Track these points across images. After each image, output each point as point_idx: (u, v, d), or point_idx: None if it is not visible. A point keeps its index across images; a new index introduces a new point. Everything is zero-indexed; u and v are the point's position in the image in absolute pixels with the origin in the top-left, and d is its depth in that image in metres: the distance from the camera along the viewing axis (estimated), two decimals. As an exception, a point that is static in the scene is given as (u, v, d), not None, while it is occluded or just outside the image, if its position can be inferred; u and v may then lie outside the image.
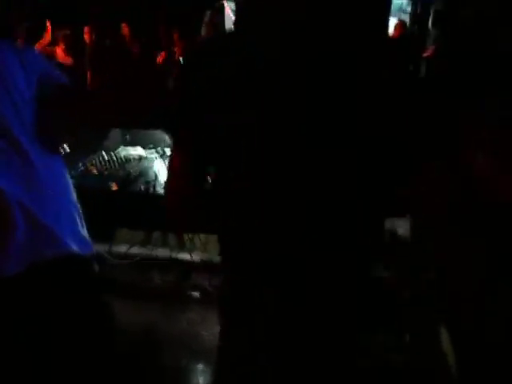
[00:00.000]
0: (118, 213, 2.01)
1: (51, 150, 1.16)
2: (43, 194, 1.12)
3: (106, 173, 1.96)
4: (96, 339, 1.32)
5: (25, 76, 1.10)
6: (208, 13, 9.49)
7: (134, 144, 2.46)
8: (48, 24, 4.59)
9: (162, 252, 2.65)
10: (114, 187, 1.85)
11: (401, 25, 4.89)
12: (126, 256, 2.63)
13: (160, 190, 1.84)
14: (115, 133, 2.51)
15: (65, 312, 1.21)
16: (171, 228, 2.34)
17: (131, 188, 1.85)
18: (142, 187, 1.84)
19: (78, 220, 1.19)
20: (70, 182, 1.21)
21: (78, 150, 1.34)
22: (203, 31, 7.86)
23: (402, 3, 10.39)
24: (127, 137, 2.49)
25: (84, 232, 1.21)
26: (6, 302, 1.11)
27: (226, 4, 11.42)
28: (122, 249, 2.65)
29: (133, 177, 1.94)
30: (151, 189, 1.83)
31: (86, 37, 4.85)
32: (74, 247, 1.15)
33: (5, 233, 1.07)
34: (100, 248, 2.59)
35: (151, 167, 2.06)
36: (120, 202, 1.90)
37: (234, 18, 6.80)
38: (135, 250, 2.64)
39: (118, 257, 2.62)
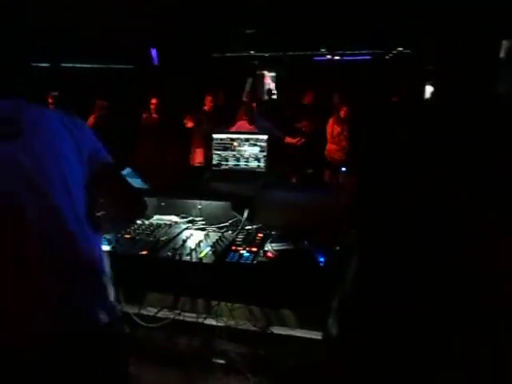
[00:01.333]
0: (147, 277, 2.12)
1: (91, 224, 1.26)
2: (79, 265, 1.22)
3: (137, 238, 2.10)
4: None
5: (75, 151, 1.22)
6: (249, 80, 10.13)
7: (168, 212, 2.63)
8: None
9: (189, 317, 2.70)
10: (144, 252, 1.97)
11: None
12: (154, 319, 2.70)
13: (185, 256, 1.94)
14: (152, 201, 2.69)
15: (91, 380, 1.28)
16: (199, 293, 2.42)
17: (159, 254, 1.97)
18: (169, 253, 1.95)
19: (109, 289, 1.30)
20: (104, 252, 1.32)
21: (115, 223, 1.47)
22: (245, 96, 8.39)
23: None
24: (162, 204, 2.66)
25: (113, 299, 1.31)
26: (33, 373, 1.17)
27: (266, 73, 12.15)
28: (152, 312, 2.73)
29: (162, 243, 2.06)
30: (177, 256, 1.93)
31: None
32: (103, 316, 1.25)
33: (37, 301, 1.15)
34: (130, 310, 2.69)
35: (180, 234, 2.19)
36: (149, 266, 2.01)
37: (272, 84, 7.26)
38: (164, 313, 2.72)
39: (147, 320, 2.70)
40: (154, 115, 5.13)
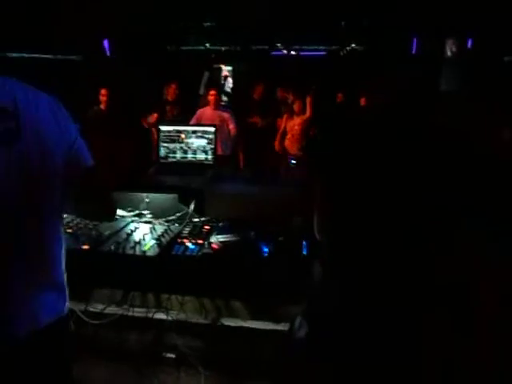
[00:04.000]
0: (91, 272, 2.06)
1: (57, 222, 1.22)
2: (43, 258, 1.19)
3: (79, 232, 2.04)
4: None
5: (60, 145, 1.12)
6: (206, 74, 10.08)
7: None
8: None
9: (138, 312, 2.66)
10: (86, 247, 1.92)
11: None
12: (102, 315, 2.64)
13: (129, 250, 1.90)
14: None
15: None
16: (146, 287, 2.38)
17: (102, 248, 1.92)
18: (112, 247, 1.91)
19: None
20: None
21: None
22: (202, 90, 8.34)
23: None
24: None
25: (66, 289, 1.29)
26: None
27: (223, 67, 12.16)
28: (99, 308, 2.66)
29: (105, 237, 2.01)
30: (120, 249, 1.89)
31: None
32: (62, 307, 1.23)
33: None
34: (76, 308, 2.61)
35: (124, 228, 2.14)
36: (92, 261, 1.95)
37: (230, 79, 7.32)
38: (112, 309, 2.66)
39: (94, 316, 2.63)
40: (103, 107, 4.95)
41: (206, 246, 1.94)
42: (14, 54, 7.35)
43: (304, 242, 1.87)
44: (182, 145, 2.43)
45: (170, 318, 2.54)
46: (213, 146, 2.40)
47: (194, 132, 2.41)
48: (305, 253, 1.86)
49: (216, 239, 1.94)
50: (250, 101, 6.22)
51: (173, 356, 2.50)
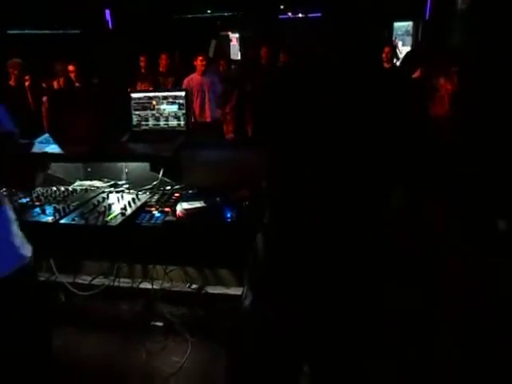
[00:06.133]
0: (55, 244, 2.05)
1: None
2: None
3: (46, 205, 2.02)
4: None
5: None
6: (213, 42, 9.88)
7: (95, 177, 2.54)
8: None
9: (124, 282, 2.67)
10: (50, 219, 1.90)
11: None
12: (90, 287, 2.66)
13: (92, 221, 1.87)
14: (77, 166, 2.59)
15: None
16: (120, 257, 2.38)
17: (65, 219, 1.89)
18: (76, 219, 1.88)
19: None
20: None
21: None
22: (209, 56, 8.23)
23: (408, 25, 10.53)
24: (89, 170, 2.57)
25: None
26: None
27: (231, 34, 11.84)
28: (87, 280, 2.68)
29: (72, 208, 1.99)
30: (83, 221, 1.86)
31: None
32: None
33: None
34: (65, 280, 2.64)
35: (92, 199, 2.11)
36: (55, 233, 1.94)
37: (237, 45, 7.12)
38: (99, 280, 2.67)
39: (82, 288, 2.65)
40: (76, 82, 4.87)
41: (171, 213, 1.89)
42: (15, 31, 7.33)
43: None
44: (154, 112, 2.36)
45: (155, 287, 2.55)
46: (184, 111, 2.32)
47: (165, 98, 2.33)
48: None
49: (181, 207, 1.89)
50: (257, 66, 6.07)
51: (160, 324, 2.52)
